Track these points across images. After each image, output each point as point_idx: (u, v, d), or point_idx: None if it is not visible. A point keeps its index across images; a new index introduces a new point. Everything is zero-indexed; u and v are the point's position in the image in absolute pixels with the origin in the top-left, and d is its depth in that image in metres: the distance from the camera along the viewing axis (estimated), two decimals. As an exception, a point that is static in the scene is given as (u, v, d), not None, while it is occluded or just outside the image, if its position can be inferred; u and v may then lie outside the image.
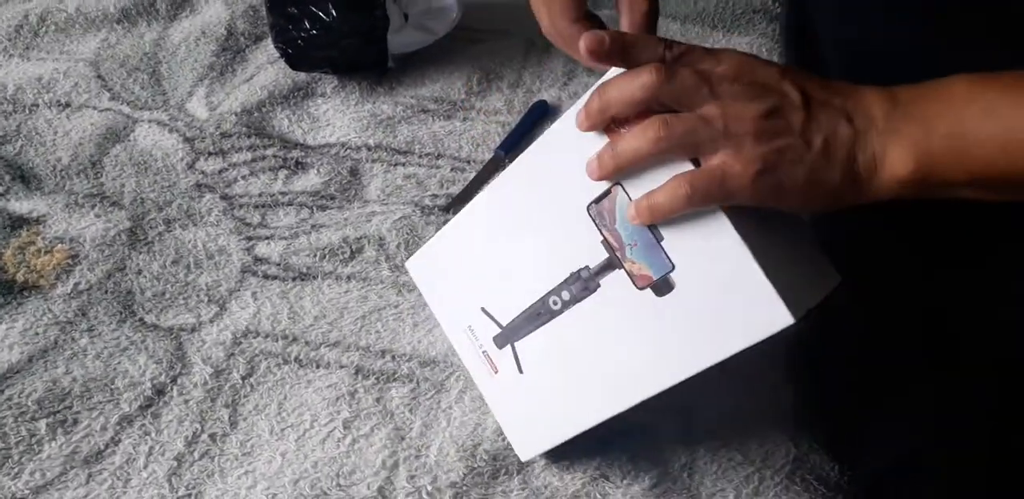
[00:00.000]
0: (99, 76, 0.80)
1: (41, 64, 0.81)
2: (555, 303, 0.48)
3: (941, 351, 0.54)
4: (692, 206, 0.39)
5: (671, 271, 0.43)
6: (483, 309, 0.53)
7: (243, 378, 0.57)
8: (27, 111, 0.76)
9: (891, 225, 0.54)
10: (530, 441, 0.51)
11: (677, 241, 0.42)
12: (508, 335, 0.52)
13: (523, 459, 0.52)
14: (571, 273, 0.47)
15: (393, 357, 0.58)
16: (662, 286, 0.43)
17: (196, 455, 0.53)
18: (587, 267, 0.46)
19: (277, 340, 0.59)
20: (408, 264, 0.60)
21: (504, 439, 0.53)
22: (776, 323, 0.40)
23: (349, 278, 0.63)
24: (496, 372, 0.53)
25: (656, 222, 0.41)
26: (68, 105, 0.77)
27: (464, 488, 0.51)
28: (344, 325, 0.60)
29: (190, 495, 0.52)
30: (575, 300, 0.47)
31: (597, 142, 0.43)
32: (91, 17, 0.85)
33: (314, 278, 0.63)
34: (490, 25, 0.86)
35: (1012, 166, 0.36)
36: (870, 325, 0.58)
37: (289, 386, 0.57)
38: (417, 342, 0.59)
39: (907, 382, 0.56)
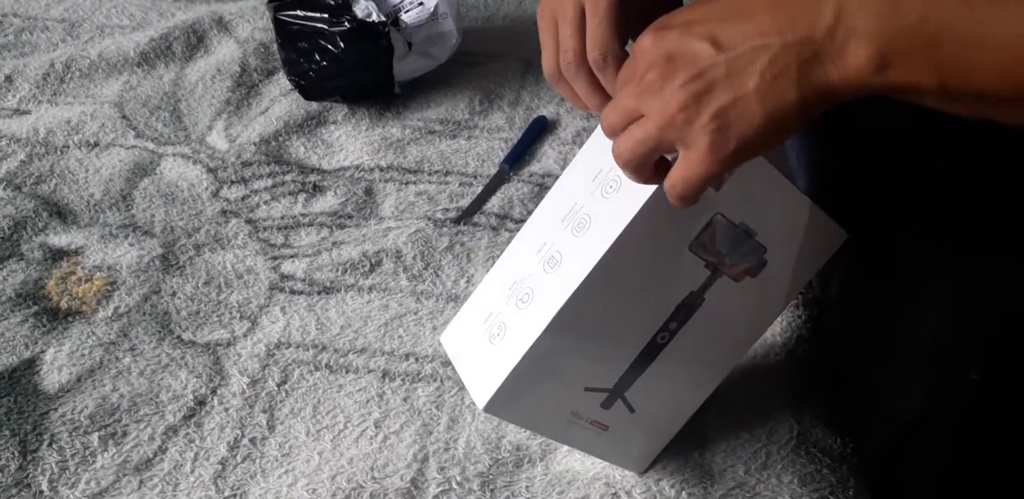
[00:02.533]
0: (124, 116, 0.85)
1: (69, 108, 0.86)
2: (663, 338, 0.49)
3: (935, 310, 0.57)
4: (696, 192, 0.38)
5: (765, 252, 0.49)
6: (586, 388, 0.50)
7: (278, 386, 0.61)
8: (59, 152, 0.81)
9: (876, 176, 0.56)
10: (642, 458, 0.54)
11: (762, 225, 0.48)
12: (617, 392, 0.50)
13: (640, 473, 0.54)
14: (677, 305, 0.49)
15: (416, 359, 0.62)
16: (758, 267, 0.50)
17: (239, 458, 0.57)
18: (691, 292, 0.49)
19: (308, 349, 0.63)
20: (443, 340, 0.55)
21: (525, 430, 0.56)
22: (835, 243, 0.50)
23: (370, 289, 0.67)
24: (606, 429, 0.51)
25: (693, 200, 0.39)
26: (97, 145, 0.82)
27: (491, 477, 0.55)
28: (369, 332, 0.64)
29: (235, 495, 0.55)
30: (681, 325, 0.49)
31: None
32: (113, 62, 0.90)
33: (338, 291, 0.67)
34: (488, 49, 0.91)
35: (991, 72, 0.31)
36: (867, 295, 0.61)
37: (322, 391, 0.61)
38: (438, 344, 0.63)
39: (906, 351, 0.59)
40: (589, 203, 0.48)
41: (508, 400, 0.47)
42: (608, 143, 0.41)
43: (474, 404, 0.59)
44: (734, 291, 0.50)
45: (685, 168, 0.38)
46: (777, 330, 0.62)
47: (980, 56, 0.31)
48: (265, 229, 0.73)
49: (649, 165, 0.40)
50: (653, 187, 0.44)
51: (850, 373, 0.62)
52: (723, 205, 0.47)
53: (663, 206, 0.42)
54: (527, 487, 0.54)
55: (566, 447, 0.55)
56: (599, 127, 0.45)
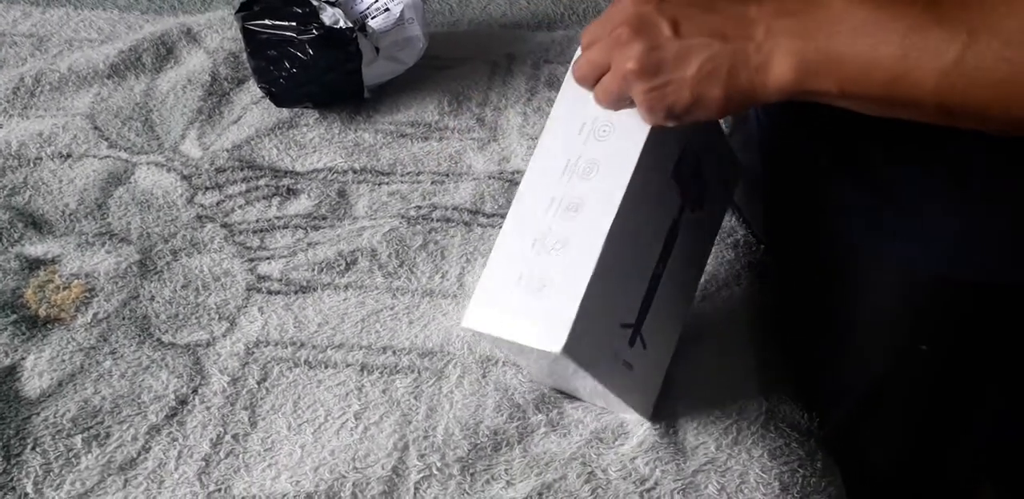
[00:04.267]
0: (96, 127, 0.86)
1: (40, 121, 0.86)
2: (659, 270, 0.52)
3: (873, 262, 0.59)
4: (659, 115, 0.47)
5: (706, 187, 0.55)
6: (621, 325, 0.52)
7: (258, 383, 0.62)
8: (32, 164, 0.81)
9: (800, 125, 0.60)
10: (650, 402, 0.56)
11: (705, 161, 0.56)
12: (637, 327, 0.52)
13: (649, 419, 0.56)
14: (665, 236, 0.52)
15: (394, 352, 0.63)
16: (702, 201, 0.55)
17: (222, 454, 0.58)
18: (673, 221, 0.52)
19: (286, 347, 0.64)
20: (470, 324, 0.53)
21: (503, 414, 0.57)
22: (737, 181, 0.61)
23: (346, 287, 0.68)
24: (631, 370, 0.52)
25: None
26: (69, 156, 0.82)
27: (470, 461, 0.56)
28: (346, 329, 0.65)
29: (220, 490, 0.56)
30: (668, 255, 0.52)
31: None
32: (83, 75, 0.91)
33: (314, 290, 0.68)
34: (455, 52, 0.93)
35: (880, 85, 0.39)
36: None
37: (301, 386, 0.62)
38: (415, 337, 0.64)
39: (857, 325, 0.61)
40: (586, 151, 0.50)
41: (577, 340, 0.47)
42: (581, 100, 0.50)
43: (452, 393, 0.60)
44: (690, 223, 0.54)
45: (642, 108, 0.46)
46: (740, 308, 0.64)
47: (868, 72, 0.40)
48: (240, 232, 0.74)
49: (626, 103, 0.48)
50: (647, 125, 0.49)
51: (807, 348, 0.64)
52: (688, 138, 0.53)
53: (656, 138, 0.49)
54: (506, 470, 0.55)
55: (542, 429, 0.57)
56: (562, 97, 0.52)
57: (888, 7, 0.39)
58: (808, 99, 0.43)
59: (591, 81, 0.48)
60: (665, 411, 0.57)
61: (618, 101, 0.48)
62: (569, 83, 0.51)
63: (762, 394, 0.58)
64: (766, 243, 0.69)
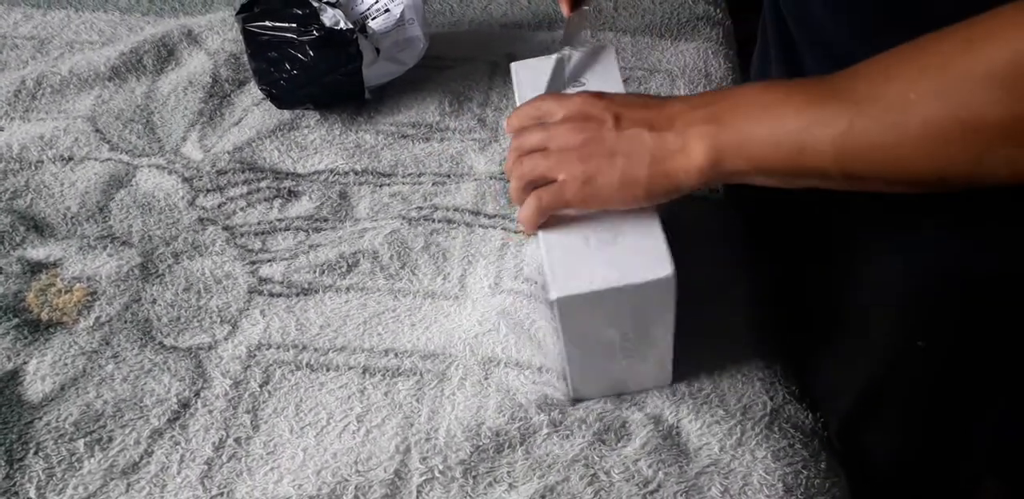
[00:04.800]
0: (97, 130, 0.86)
1: (41, 124, 0.86)
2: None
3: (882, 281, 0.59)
4: (545, 212, 0.51)
5: None
6: None
7: (260, 386, 0.62)
8: (33, 168, 0.81)
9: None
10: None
11: None
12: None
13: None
14: None
15: (396, 354, 0.63)
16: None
17: (224, 458, 0.58)
18: None
19: (288, 350, 0.64)
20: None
21: (504, 415, 0.57)
22: None
23: (348, 289, 0.68)
24: None
25: (534, 230, 0.53)
26: (71, 159, 0.82)
27: (472, 464, 0.56)
28: (348, 331, 0.65)
29: (223, 494, 0.56)
30: None
31: None
32: (84, 77, 0.91)
33: (316, 292, 0.68)
34: (455, 53, 0.92)
35: (785, 158, 0.43)
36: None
37: (304, 389, 0.62)
38: (416, 339, 0.64)
39: (856, 322, 0.61)
40: None
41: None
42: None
43: (454, 395, 0.60)
44: None
45: (547, 192, 0.51)
46: (741, 308, 0.63)
47: (774, 148, 0.44)
48: (242, 235, 0.74)
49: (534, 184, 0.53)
50: None
51: (808, 346, 0.63)
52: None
53: None
54: (508, 472, 0.55)
55: (544, 430, 0.56)
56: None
57: (788, 87, 0.44)
58: (728, 180, 0.47)
59: (517, 157, 0.54)
60: (669, 412, 0.57)
61: (541, 177, 0.52)
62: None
63: (766, 394, 0.58)
64: (763, 239, 0.69)
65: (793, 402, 0.58)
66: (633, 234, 0.51)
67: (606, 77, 0.62)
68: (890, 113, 0.39)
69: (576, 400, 0.59)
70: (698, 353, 0.59)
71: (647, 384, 0.59)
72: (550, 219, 0.53)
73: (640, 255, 0.50)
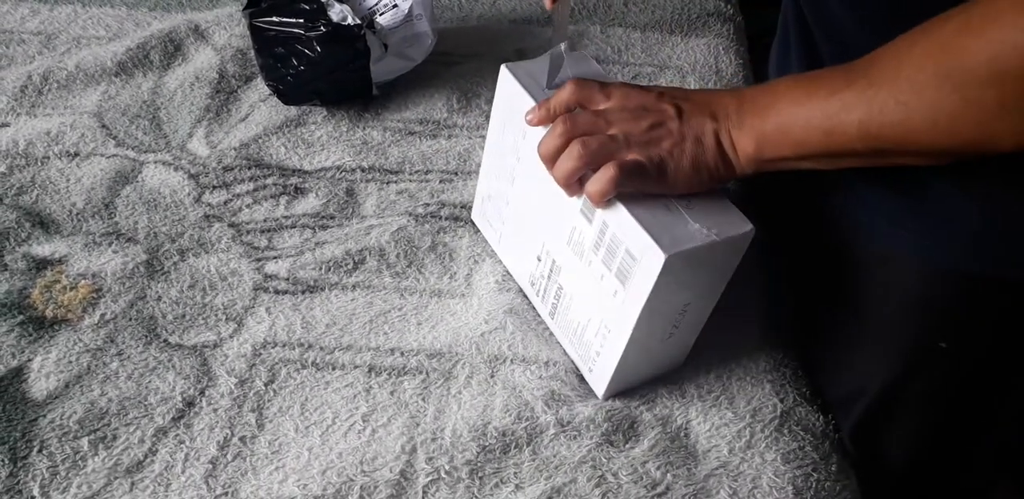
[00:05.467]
0: (103, 126, 0.85)
1: (48, 119, 0.86)
2: None
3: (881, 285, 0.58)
4: (620, 186, 0.51)
5: None
6: None
7: (266, 385, 0.61)
8: (39, 163, 0.81)
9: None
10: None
11: None
12: None
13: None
14: None
15: (402, 353, 0.63)
16: None
17: (229, 457, 0.57)
18: None
19: (294, 348, 0.64)
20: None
21: (511, 414, 0.57)
22: None
23: (354, 287, 0.68)
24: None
25: (603, 202, 0.53)
26: (77, 154, 0.82)
27: (479, 464, 0.55)
28: (354, 329, 0.65)
29: (227, 493, 0.56)
30: None
31: None
32: (90, 72, 0.90)
33: (322, 290, 0.68)
34: (464, 49, 0.92)
35: (819, 142, 0.48)
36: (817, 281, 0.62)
37: (309, 388, 0.61)
38: (422, 338, 0.63)
39: (877, 322, 0.60)
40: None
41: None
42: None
43: (460, 393, 0.59)
44: None
45: (624, 169, 0.51)
46: (752, 308, 0.62)
47: (808, 134, 0.48)
48: (248, 232, 0.74)
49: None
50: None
51: (822, 348, 0.63)
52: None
53: None
54: (515, 473, 0.55)
55: (551, 430, 0.56)
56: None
57: (813, 79, 0.49)
58: (774, 167, 0.51)
59: (572, 138, 0.54)
60: (678, 413, 0.56)
61: (611, 157, 0.52)
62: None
63: (776, 396, 0.57)
64: (777, 239, 0.68)
65: (804, 404, 0.57)
66: (703, 199, 0.54)
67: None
68: (902, 94, 0.43)
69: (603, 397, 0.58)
70: (708, 354, 0.58)
71: (667, 367, 0.60)
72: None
73: (720, 215, 0.53)
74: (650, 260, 0.50)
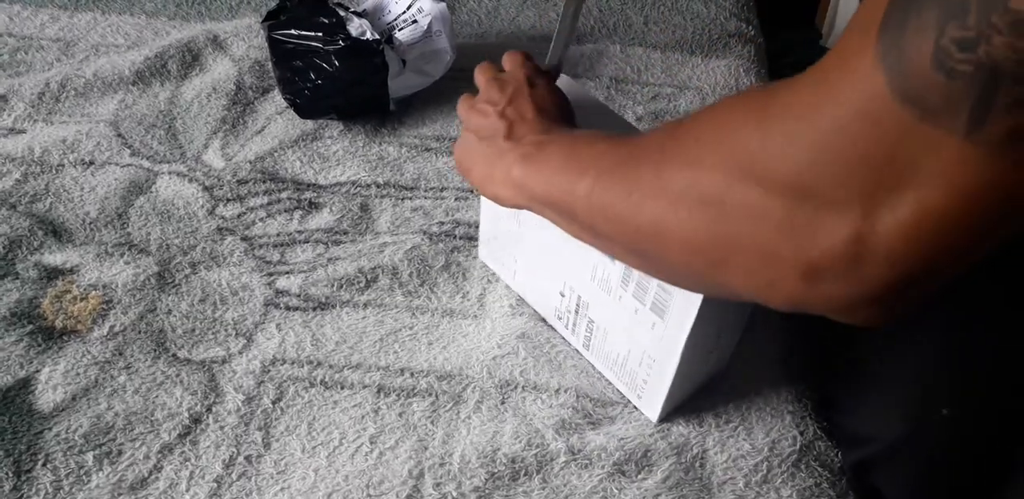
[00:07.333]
0: (119, 135, 0.85)
1: (64, 127, 0.86)
2: None
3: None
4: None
5: None
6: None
7: (273, 403, 0.61)
8: (54, 171, 0.81)
9: None
10: None
11: None
12: None
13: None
14: None
15: (412, 374, 0.62)
16: None
17: (234, 476, 0.57)
18: None
19: (303, 366, 0.63)
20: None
21: (521, 441, 0.56)
22: None
23: (366, 305, 0.67)
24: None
25: None
26: (92, 163, 0.82)
27: (487, 491, 0.54)
28: (364, 348, 0.64)
29: (231, 514, 0.55)
30: None
31: None
32: (108, 81, 0.90)
33: (333, 307, 0.67)
34: (482, 65, 0.91)
35: (552, 202, 0.47)
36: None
37: (317, 407, 0.60)
38: (433, 359, 0.62)
39: (888, 382, 0.59)
40: None
41: None
42: None
43: (469, 418, 0.58)
44: None
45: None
46: (774, 339, 0.61)
47: (549, 190, 0.48)
48: (261, 246, 0.73)
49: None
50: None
51: (838, 393, 0.61)
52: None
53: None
54: (524, 502, 0.54)
55: (562, 458, 0.55)
56: None
57: (569, 150, 0.48)
58: (530, 206, 0.50)
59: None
60: (694, 443, 0.55)
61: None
62: None
63: (796, 428, 0.56)
64: None
65: (823, 438, 0.56)
66: None
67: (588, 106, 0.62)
68: (614, 193, 0.42)
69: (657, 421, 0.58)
70: (727, 383, 0.57)
71: (713, 376, 0.60)
72: None
73: None
74: (688, 294, 0.49)
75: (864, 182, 0.30)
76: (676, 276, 0.42)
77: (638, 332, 0.54)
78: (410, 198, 0.77)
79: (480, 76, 0.60)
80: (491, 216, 0.66)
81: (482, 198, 0.65)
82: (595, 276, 0.55)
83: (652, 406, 0.57)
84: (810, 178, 0.32)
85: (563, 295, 0.60)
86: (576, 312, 0.59)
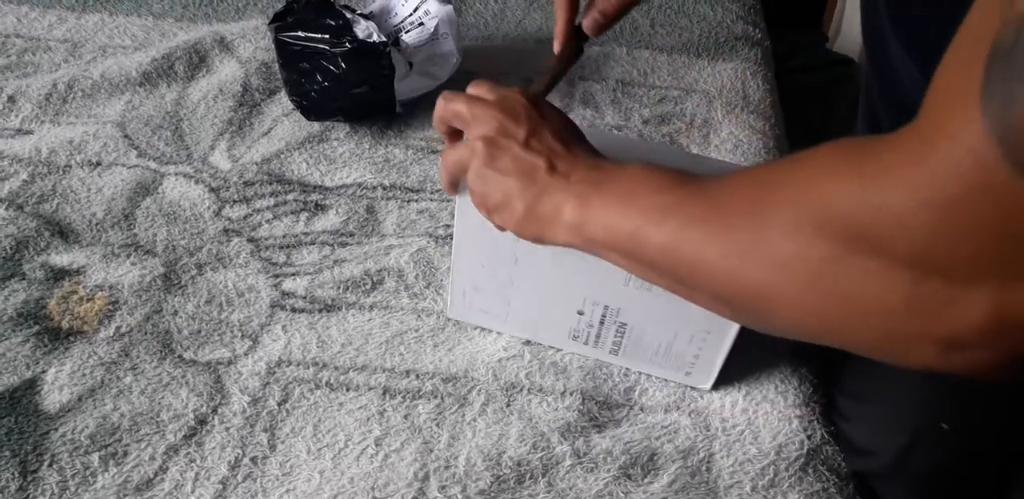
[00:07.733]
0: (126, 136, 0.85)
1: (71, 128, 0.86)
2: None
3: None
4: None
5: None
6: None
7: (279, 404, 0.61)
8: (61, 172, 0.81)
9: None
10: None
11: None
12: None
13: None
14: None
15: (417, 376, 0.62)
16: None
17: (240, 478, 0.57)
18: None
19: (308, 367, 0.63)
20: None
21: (526, 444, 0.56)
22: None
23: (371, 307, 0.67)
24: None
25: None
26: (99, 164, 0.82)
27: (492, 494, 0.54)
28: (370, 350, 0.64)
29: (236, 515, 0.55)
30: None
31: None
32: (115, 82, 0.90)
33: (339, 309, 0.67)
34: (489, 68, 0.91)
35: (621, 245, 0.44)
36: None
37: (322, 409, 0.60)
38: (439, 361, 0.62)
39: (891, 396, 0.59)
40: None
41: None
42: None
43: (475, 420, 0.58)
44: None
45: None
46: (784, 341, 0.61)
47: (614, 234, 0.45)
48: (267, 248, 0.73)
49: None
50: None
51: (842, 403, 0.61)
52: None
53: None
54: (530, 505, 0.54)
55: (568, 461, 0.55)
56: None
57: (630, 190, 0.44)
58: (590, 248, 0.47)
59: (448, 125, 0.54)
60: (700, 447, 0.55)
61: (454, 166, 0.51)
62: None
63: (803, 432, 0.56)
64: None
65: (831, 443, 0.56)
66: None
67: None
68: (664, 235, 0.41)
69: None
70: (734, 386, 0.57)
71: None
72: None
73: None
74: None
75: (995, 256, 0.30)
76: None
77: (688, 314, 0.54)
78: (416, 200, 0.77)
79: (477, 108, 0.53)
80: (471, 267, 0.62)
81: (454, 252, 0.61)
82: (629, 281, 0.56)
83: (706, 376, 0.59)
84: (937, 254, 0.31)
85: (581, 313, 0.60)
86: (602, 323, 0.59)
